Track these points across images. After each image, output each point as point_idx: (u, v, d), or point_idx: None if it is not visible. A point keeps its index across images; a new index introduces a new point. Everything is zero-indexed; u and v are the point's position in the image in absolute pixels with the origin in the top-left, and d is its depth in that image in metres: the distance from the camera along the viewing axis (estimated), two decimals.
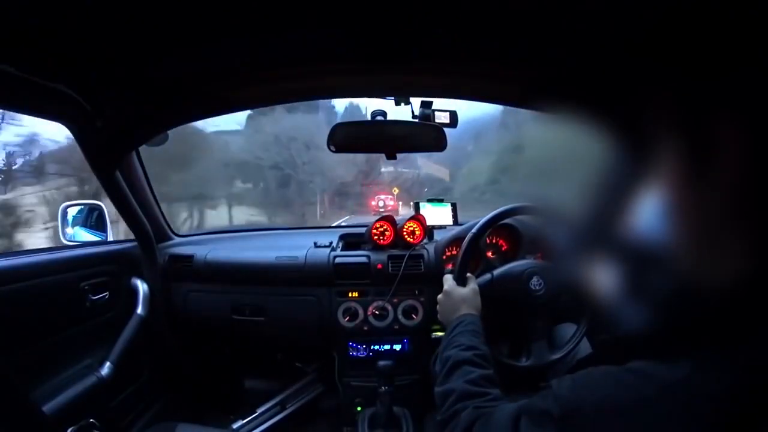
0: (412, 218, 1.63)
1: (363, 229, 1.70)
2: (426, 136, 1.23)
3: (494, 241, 1.54)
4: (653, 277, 0.49)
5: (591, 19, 0.58)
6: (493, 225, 1.25)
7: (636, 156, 0.53)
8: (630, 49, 0.62)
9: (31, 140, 7.13)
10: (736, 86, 0.43)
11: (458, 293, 1.09)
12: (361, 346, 1.56)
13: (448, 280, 1.14)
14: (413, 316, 1.51)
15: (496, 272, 1.20)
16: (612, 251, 0.53)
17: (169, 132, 1.25)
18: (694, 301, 0.45)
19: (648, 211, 0.50)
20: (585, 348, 1.18)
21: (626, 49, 0.63)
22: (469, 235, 1.22)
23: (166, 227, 1.72)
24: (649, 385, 0.46)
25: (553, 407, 0.52)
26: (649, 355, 0.49)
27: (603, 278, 0.54)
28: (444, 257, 1.53)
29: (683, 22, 0.52)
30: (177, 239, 1.77)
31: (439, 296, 1.13)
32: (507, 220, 1.37)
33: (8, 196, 7.14)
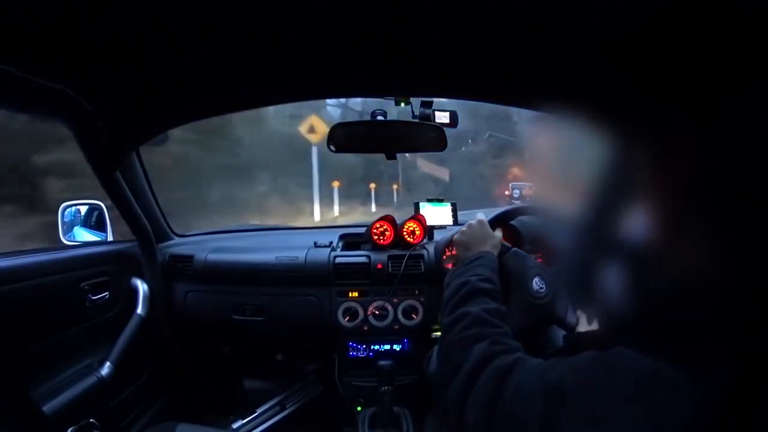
0: (412, 218, 1.63)
1: (363, 229, 1.70)
2: (426, 136, 1.24)
3: None
4: (639, 274, 0.50)
5: (587, 22, 0.59)
6: (498, 223, 1.25)
7: (623, 156, 0.54)
8: (615, 53, 0.63)
9: None
10: (699, 94, 0.46)
11: (490, 231, 1.08)
12: (361, 346, 1.56)
13: (482, 215, 1.13)
14: (413, 316, 1.51)
15: (513, 248, 1.18)
16: (607, 249, 0.54)
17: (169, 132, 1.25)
18: (665, 298, 0.46)
19: (633, 210, 0.51)
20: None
21: (613, 53, 0.64)
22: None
23: (166, 227, 1.72)
24: (628, 368, 0.47)
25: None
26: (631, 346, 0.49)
27: (599, 276, 0.55)
28: (444, 257, 1.53)
29: (661, 32, 0.53)
30: (177, 239, 1.77)
31: (472, 221, 1.10)
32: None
33: None
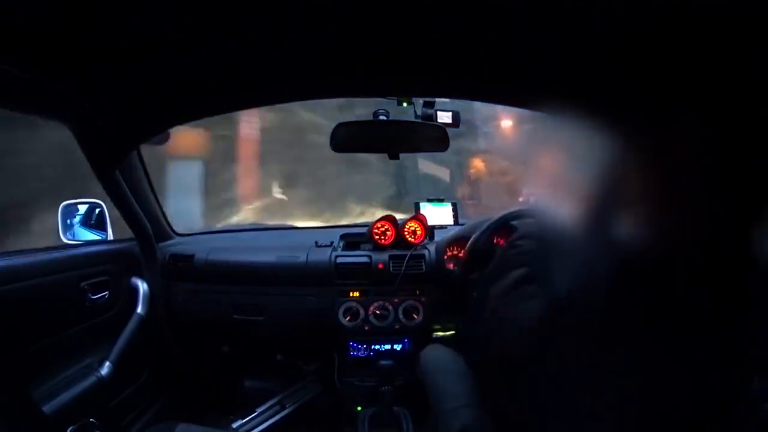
0: (413, 218, 1.63)
1: (364, 229, 1.70)
2: (428, 135, 1.23)
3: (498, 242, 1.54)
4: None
5: (587, 22, 0.59)
6: (499, 227, 1.26)
7: (622, 155, 0.54)
8: (615, 53, 0.63)
9: None
10: (699, 95, 0.46)
11: None
12: (362, 345, 1.56)
13: None
14: (414, 316, 1.51)
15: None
16: (606, 250, 0.54)
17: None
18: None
19: (632, 210, 0.51)
20: None
21: (613, 54, 0.64)
22: (476, 235, 1.22)
23: (166, 226, 1.72)
24: None
25: None
26: None
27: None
28: (445, 257, 1.53)
29: (661, 32, 0.53)
30: (177, 238, 1.77)
31: None
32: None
33: None
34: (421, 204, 1.77)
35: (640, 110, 0.57)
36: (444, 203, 1.79)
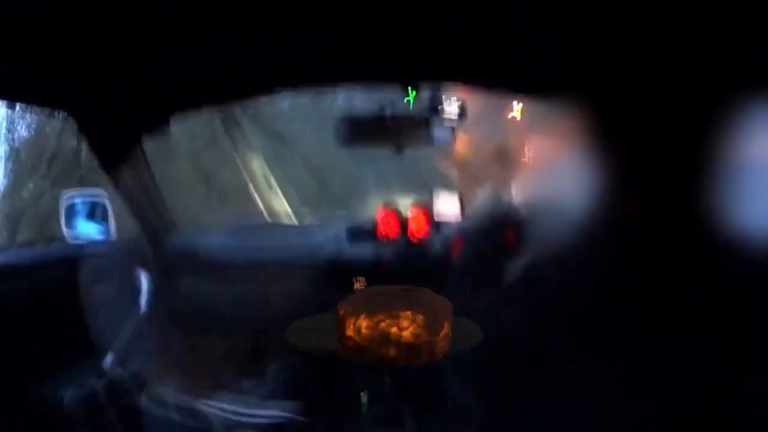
0: (416, 207, 1.63)
1: (370, 224, 1.70)
2: (433, 130, 1.23)
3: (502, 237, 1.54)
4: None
5: (587, 22, 0.58)
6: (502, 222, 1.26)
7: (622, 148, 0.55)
8: (614, 53, 0.63)
9: None
10: (698, 92, 0.45)
11: None
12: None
13: None
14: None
15: None
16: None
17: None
18: None
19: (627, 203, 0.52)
20: None
21: (612, 53, 0.64)
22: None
23: (170, 222, 1.72)
24: None
25: None
26: None
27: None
28: (451, 250, 1.53)
29: (660, 32, 0.53)
30: (181, 234, 1.77)
31: None
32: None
33: None
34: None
35: (638, 106, 0.57)
36: (449, 196, 1.78)
